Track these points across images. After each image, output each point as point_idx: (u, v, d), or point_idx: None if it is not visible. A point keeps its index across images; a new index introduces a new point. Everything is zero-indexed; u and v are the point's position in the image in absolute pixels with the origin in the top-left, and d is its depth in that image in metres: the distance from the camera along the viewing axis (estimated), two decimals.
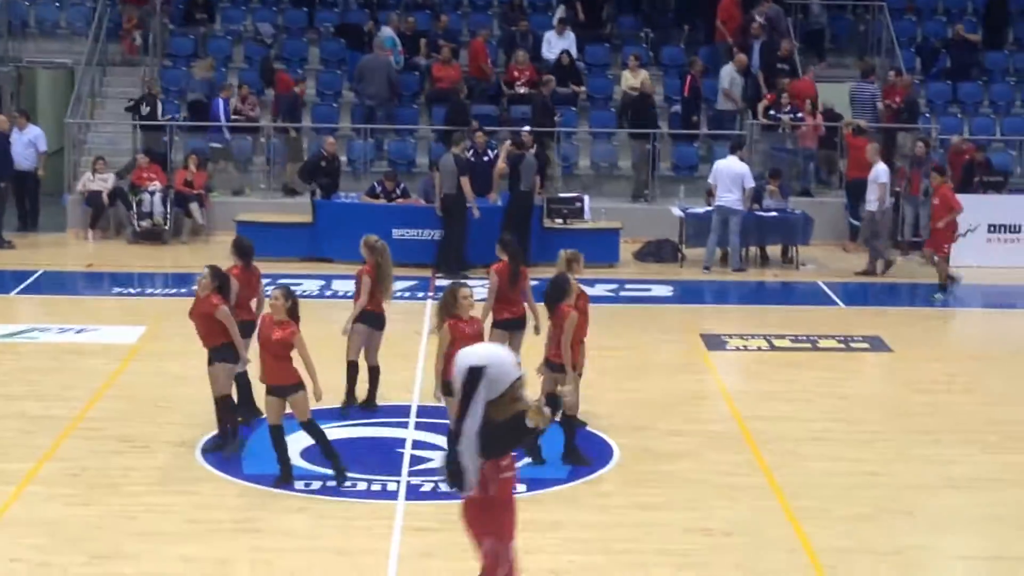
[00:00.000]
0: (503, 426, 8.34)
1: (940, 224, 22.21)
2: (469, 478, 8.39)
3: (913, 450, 14.52)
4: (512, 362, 8.51)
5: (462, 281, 13.48)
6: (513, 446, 8.57)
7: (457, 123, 26.07)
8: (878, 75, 28.21)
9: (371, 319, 15.20)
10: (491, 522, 8.63)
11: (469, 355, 8.53)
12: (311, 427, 13.12)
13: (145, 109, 27.10)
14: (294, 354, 12.99)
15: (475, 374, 8.32)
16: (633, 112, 27.31)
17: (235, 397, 14.12)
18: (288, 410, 12.99)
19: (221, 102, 27.04)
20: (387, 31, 28.75)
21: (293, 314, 13.03)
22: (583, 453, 13.83)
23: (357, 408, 15.35)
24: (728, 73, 27.75)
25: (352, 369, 15.32)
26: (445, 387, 12.94)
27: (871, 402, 16.38)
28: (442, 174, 23.38)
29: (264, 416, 13.39)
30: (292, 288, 13.47)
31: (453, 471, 8.42)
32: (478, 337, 13.08)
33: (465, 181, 23.09)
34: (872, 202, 23.74)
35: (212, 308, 13.62)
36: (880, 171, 23.69)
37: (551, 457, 13.69)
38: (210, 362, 13.80)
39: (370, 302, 15.11)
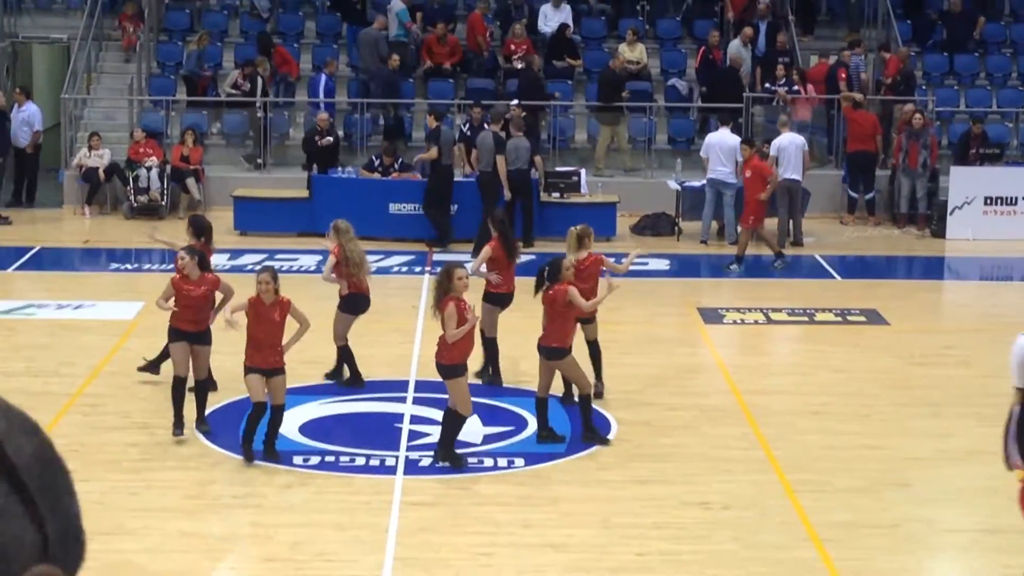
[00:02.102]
0: None
1: (763, 196, 21.73)
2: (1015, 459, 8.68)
3: (910, 423, 14.57)
4: None
5: (458, 261, 13.46)
6: None
7: (531, 97, 26.08)
8: (866, 47, 28.14)
9: (354, 303, 15.13)
10: None
11: None
12: (279, 412, 13.05)
13: (246, 85, 26.76)
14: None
15: None
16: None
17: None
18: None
19: (323, 77, 26.92)
20: (398, 3, 28.26)
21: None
22: (600, 433, 13.82)
23: (346, 386, 15.31)
24: (736, 48, 27.67)
25: (347, 352, 15.23)
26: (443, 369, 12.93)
27: (868, 375, 16.41)
28: (480, 152, 23.10)
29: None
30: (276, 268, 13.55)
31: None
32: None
33: (501, 160, 22.78)
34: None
35: (216, 284, 13.62)
36: (775, 145, 23.57)
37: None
38: (201, 343, 13.73)
39: (350, 284, 15.02)
